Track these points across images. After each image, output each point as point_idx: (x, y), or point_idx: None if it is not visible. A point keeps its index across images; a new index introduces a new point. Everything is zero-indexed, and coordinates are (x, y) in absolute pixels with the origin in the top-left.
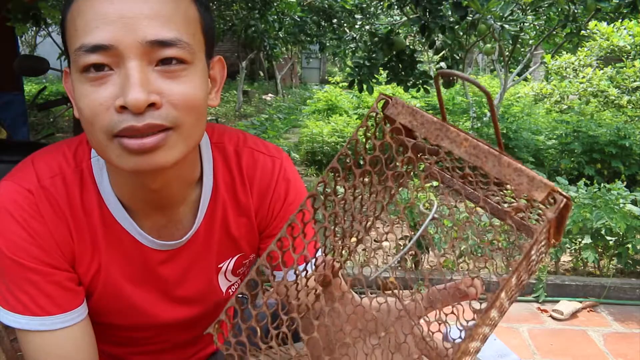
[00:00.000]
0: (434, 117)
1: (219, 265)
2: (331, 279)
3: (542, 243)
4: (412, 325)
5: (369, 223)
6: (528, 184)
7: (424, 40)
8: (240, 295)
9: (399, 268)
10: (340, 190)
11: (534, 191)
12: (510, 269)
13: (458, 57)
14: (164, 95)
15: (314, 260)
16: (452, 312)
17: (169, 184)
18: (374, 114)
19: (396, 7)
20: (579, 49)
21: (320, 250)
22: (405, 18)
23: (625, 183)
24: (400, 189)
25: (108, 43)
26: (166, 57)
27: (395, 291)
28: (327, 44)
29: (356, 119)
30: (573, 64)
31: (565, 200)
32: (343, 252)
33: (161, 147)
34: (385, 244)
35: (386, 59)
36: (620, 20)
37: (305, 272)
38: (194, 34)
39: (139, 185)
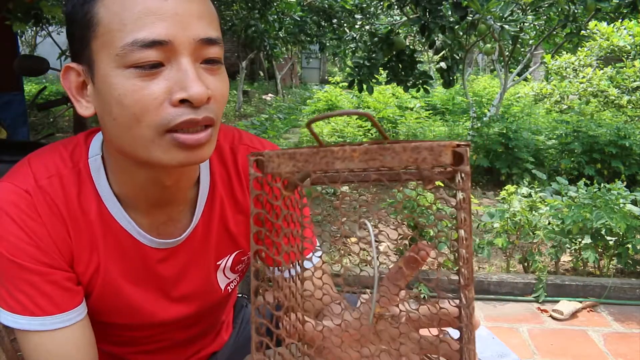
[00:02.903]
0: (310, 147)
1: (218, 263)
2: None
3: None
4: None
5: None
6: (431, 155)
7: (424, 40)
8: (240, 295)
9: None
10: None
11: (440, 158)
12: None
13: (458, 57)
14: (211, 90)
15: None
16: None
17: (180, 180)
18: (256, 176)
19: (396, 7)
20: (579, 49)
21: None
22: (405, 18)
23: (625, 183)
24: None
25: (166, 38)
26: (211, 56)
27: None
28: (327, 44)
29: (356, 119)
30: (573, 64)
31: (466, 147)
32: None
33: (207, 142)
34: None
35: (386, 59)
36: (620, 20)
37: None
38: (220, 33)
39: (153, 182)
